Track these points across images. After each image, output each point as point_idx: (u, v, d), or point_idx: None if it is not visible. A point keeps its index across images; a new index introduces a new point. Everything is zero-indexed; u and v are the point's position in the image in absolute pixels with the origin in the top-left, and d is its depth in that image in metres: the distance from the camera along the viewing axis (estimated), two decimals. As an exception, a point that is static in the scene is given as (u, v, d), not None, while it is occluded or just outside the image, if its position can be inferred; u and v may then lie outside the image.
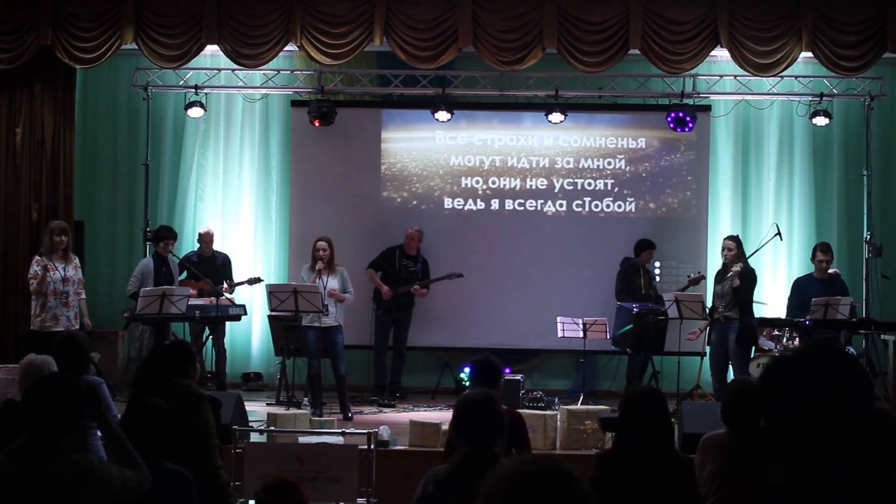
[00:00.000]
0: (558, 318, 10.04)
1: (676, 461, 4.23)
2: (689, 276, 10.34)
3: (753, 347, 9.69)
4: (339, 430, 7.36)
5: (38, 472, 3.45)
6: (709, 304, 9.69)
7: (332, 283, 9.23)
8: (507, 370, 9.61)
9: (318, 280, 9.18)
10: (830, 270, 9.87)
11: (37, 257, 9.21)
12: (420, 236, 10.64)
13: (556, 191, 11.30)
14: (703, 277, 10.28)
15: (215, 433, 5.21)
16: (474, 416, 3.90)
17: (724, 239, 9.69)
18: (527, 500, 1.68)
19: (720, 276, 9.54)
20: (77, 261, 9.39)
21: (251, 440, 7.34)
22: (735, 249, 9.43)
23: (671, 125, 10.73)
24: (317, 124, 10.82)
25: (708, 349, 9.74)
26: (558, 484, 1.70)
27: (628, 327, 9.65)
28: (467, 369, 10.93)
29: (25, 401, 3.59)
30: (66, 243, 9.24)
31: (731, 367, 9.38)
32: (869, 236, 10.78)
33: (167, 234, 10.12)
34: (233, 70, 10.78)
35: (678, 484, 4.14)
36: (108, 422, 3.82)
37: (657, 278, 10.96)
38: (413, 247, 10.57)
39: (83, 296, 9.34)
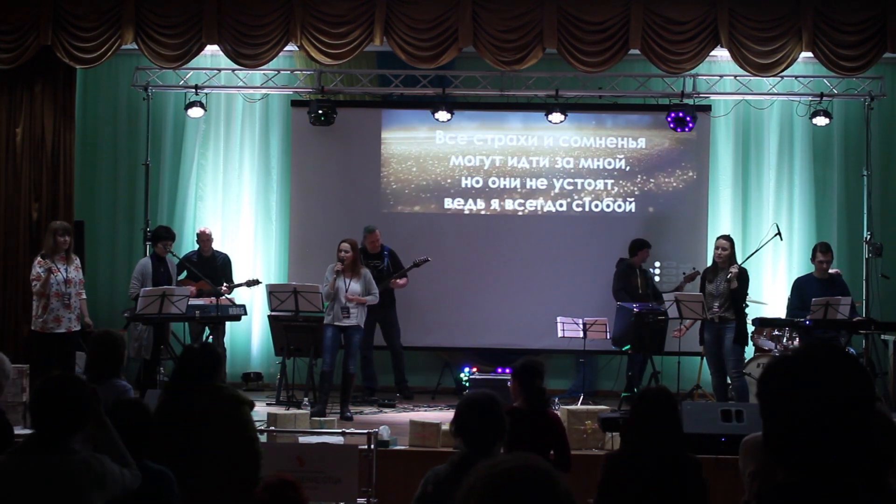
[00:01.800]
0: (558, 318, 10.03)
1: (686, 462, 4.22)
2: (684, 274, 10.35)
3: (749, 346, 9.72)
4: (339, 430, 7.37)
5: (47, 471, 3.48)
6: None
7: (355, 286, 9.21)
8: (507, 370, 9.62)
9: (338, 282, 9.16)
10: (831, 270, 9.87)
11: (38, 258, 9.16)
12: (377, 236, 10.45)
13: (556, 191, 11.30)
14: (699, 273, 10.29)
15: (258, 437, 5.18)
16: (475, 417, 3.91)
17: (718, 238, 9.67)
18: (504, 498, 1.68)
19: (711, 275, 9.53)
20: (78, 261, 9.37)
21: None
22: (729, 249, 9.44)
23: (671, 125, 10.73)
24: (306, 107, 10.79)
25: (702, 349, 9.74)
26: (535, 482, 1.70)
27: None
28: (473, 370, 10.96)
29: (33, 400, 3.62)
30: (69, 244, 9.22)
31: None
32: (869, 236, 10.77)
33: (165, 235, 10.11)
34: (233, 70, 10.78)
35: (688, 485, 4.13)
36: (104, 422, 3.82)
37: (657, 278, 10.96)
38: (375, 246, 10.48)
39: (84, 296, 9.33)
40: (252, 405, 5.23)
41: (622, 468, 4.15)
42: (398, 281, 10.39)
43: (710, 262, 10.48)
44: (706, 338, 9.46)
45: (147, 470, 4.04)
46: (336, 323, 9.19)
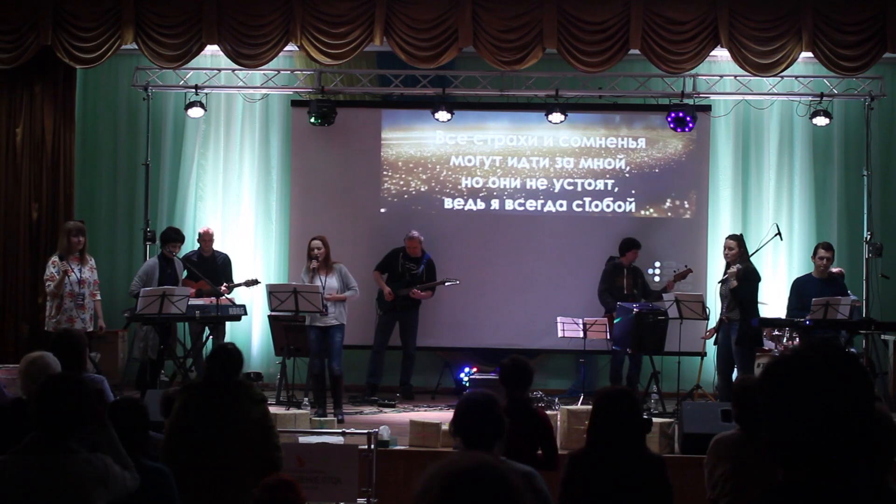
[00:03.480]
0: (558, 318, 10.03)
1: (648, 460, 4.24)
2: (675, 271, 10.32)
3: (756, 347, 9.70)
4: (340, 430, 7.37)
5: (50, 470, 3.47)
6: (715, 304, 9.69)
7: (331, 282, 9.21)
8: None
9: (315, 280, 9.17)
10: (834, 270, 9.86)
11: (54, 258, 9.13)
12: (419, 242, 10.55)
13: (557, 191, 11.29)
14: (690, 271, 10.28)
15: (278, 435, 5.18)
16: (475, 417, 3.91)
17: (726, 238, 9.68)
18: (458, 498, 1.71)
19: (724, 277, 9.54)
20: (93, 262, 9.32)
21: (251, 440, 7.32)
22: (736, 249, 9.42)
23: (671, 125, 10.73)
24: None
25: (714, 349, 9.73)
26: (488, 480, 1.73)
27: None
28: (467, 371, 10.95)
29: (35, 399, 3.61)
30: (83, 244, 9.20)
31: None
32: (869, 236, 10.77)
33: (175, 237, 10.06)
34: (233, 70, 10.78)
35: (650, 483, 4.15)
36: (105, 423, 3.83)
37: (657, 278, 10.95)
38: (415, 251, 10.53)
39: (98, 297, 9.30)
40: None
41: (585, 466, 4.18)
42: (420, 293, 10.41)
43: (710, 263, 10.51)
44: (719, 338, 9.49)
45: (145, 468, 4.04)
46: (317, 324, 9.18)
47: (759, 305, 10.46)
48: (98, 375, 5.56)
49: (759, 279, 9.53)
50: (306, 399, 9.60)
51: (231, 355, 5.08)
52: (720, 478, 4.58)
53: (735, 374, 9.41)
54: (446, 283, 10.52)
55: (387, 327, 10.41)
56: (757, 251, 10.21)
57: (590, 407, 8.37)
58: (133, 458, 3.94)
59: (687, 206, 11.22)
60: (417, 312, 10.59)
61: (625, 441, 4.17)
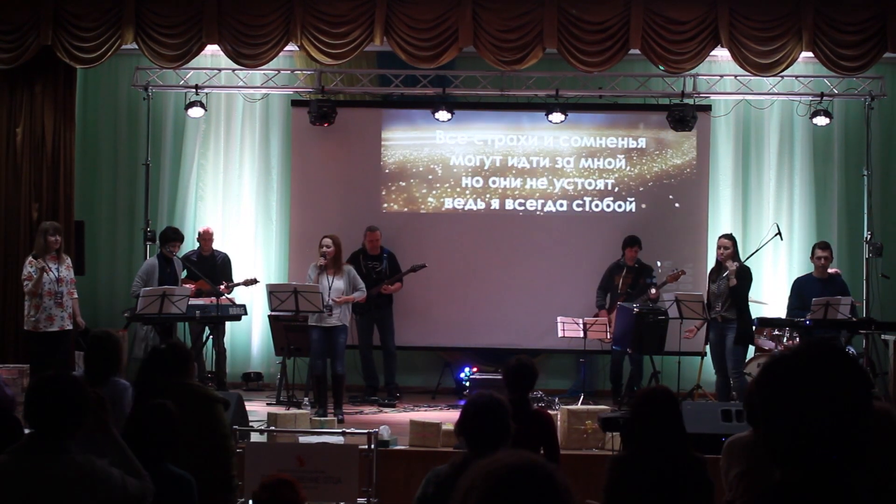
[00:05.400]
0: (559, 318, 10.03)
1: (691, 462, 4.19)
2: (672, 271, 10.31)
3: (751, 346, 9.72)
4: (340, 430, 7.38)
5: (40, 472, 3.41)
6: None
7: (338, 283, 9.20)
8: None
9: (322, 278, 9.16)
10: (831, 270, 9.86)
11: (30, 258, 9.20)
12: (378, 236, 10.51)
13: (557, 191, 11.29)
14: (684, 272, 10.28)
15: (230, 435, 5.17)
16: (481, 419, 3.89)
17: (720, 237, 9.68)
18: (505, 496, 1.68)
19: (714, 275, 9.53)
20: (69, 261, 9.40)
21: (251, 440, 7.36)
22: (731, 248, 9.43)
23: (671, 125, 10.74)
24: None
25: (707, 349, 9.73)
26: (535, 478, 1.71)
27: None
28: (464, 371, 10.95)
29: (26, 400, 3.56)
30: (60, 243, 9.24)
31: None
32: (869, 236, 10.77)
33: (174, 237, 10.07)
34: (233, 70, 10.78)
35: (693, 484, 4.10)
36: (109, 430, 3.74)
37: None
38: (375, 247, 10.51)
39: (75, 295, 9.37)
40: (226, 403, 5.22)
41: (628, 471, 4.11)
42: (389, 287, 10.40)
43: (710, 263, 10.49)
44: (710, 337, 9.47)
45: (168, 474, 4.01)
46: (321, 324, 9.18)
47: (760, 305, 10.50)
48: (123, 381, 5.45)
49: (752, 278, 9.56)
50: (306, 399, 9.60)
51: (166, 356, 5.03)
52: (734, 479, 4.57)
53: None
54: (415, 270, 10.45)
55: (366, 329, 10.42)
56: (757, 251, 10.22)
57: (590, 407, 8.47)
58: (157, 464, 3.90)
59: (687, 205, 11.22)
60: (391, 309, 10.57)
61: (669, 443, 4.11)
